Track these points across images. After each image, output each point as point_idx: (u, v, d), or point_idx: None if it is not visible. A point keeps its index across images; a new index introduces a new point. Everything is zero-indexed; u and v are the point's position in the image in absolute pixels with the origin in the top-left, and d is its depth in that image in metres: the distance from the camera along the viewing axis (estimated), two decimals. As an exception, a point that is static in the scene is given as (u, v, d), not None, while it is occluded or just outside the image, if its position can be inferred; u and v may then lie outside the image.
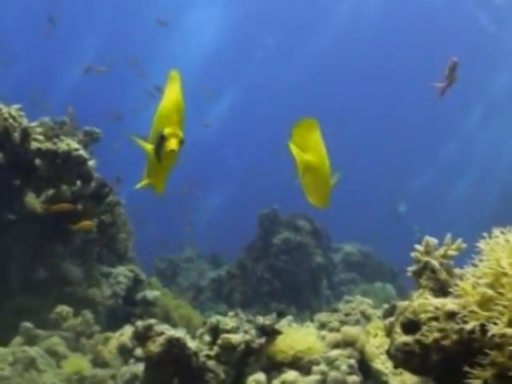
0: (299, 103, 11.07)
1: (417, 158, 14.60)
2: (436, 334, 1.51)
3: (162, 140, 1.59)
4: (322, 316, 3.42)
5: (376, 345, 3.03)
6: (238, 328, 2.78)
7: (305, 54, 15.23)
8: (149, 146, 1.66)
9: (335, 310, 3.59)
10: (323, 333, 3.11)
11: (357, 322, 3.40)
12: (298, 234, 6.85)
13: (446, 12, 13.77)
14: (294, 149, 1.96)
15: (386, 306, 3.55)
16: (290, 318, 3.24)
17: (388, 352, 1.69)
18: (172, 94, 1.62)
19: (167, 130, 1.58)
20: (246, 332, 2.74)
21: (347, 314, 3.50)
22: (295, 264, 6.65)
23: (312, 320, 3.46)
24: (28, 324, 3.16)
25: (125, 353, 3.02)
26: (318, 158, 1.95)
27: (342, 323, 3.31)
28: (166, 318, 4.02)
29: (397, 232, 11.48)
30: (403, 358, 1.60)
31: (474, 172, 15.03)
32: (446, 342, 1.50)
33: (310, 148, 1.95)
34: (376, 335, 3.16)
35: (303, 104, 11.26)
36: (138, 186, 1.77)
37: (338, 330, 3.11)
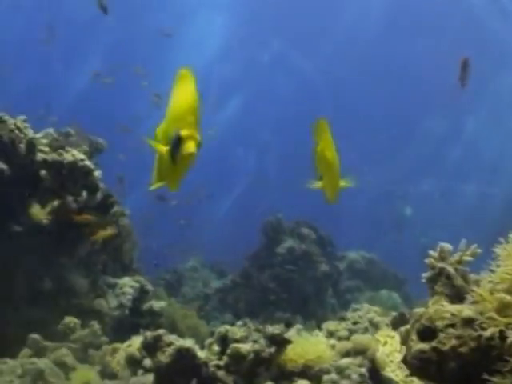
0: (303, 108, 11.05)
1: (420, 161, 14.54)
2: (453, 341, 1.49)
3: (178, 142, 1.50)
4: (330, 324, 3.41)
5: (386, 353, 3.00)
6: (247, 337, 2.76)
7: (310, 57, 15.22)
8: (163, 148, 1.58)
9: (343, 319, 3.57)
10: (332, 341, 3.09)
11: (365, 330, 3.39)
12: (303, 242, 6.83)
13: (452, 12, 13.76)
14: (318, 146, 2.05)
15: (393, 313, 3.54)
16: (299, 326, 3.23)
17: (404, 360, 1.67)
18: (186, 94, 1.55)
19: (184, 132, 1.49)
20: (255, 341, 2.72)
21: (355, 323, 3.49)
22: (300, 273, 6.62)
23: (320, 329, 3.45)
24: (36, 336, 3.15)
25: (133, 364, 3.00)
26: (332, 156, 2.05)
27: (351, 331, 3.30)
28: (173, 329, 3.99)
29: (401, 238, 11.44)
30: (419, 366, 1.58)
31: (479, 175, 14.95)
32: (463, 349, 1.48)
33: (325, 146, 2.05)
34: (385, 343, 3.14)
35: (308, 108, 11.25)
36: (153, 187, 1.69)
37: (347, 339, 3.10)
